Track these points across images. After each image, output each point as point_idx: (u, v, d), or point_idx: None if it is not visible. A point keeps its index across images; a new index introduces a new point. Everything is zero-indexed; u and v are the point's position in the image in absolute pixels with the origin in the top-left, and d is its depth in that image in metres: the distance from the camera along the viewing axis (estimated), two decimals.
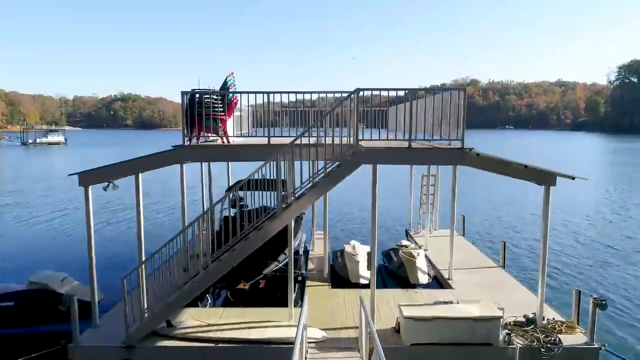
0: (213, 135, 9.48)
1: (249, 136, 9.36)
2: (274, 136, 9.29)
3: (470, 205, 26.19)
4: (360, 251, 13.18)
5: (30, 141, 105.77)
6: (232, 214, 13.42)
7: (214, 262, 8.78)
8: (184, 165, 9.87)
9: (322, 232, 13.97)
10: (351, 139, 8.82)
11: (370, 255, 12.91)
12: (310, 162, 9.12)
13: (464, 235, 17.46)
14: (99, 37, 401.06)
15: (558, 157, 66.72)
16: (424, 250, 15.03)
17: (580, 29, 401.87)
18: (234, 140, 9.72)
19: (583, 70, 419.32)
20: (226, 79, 9.59)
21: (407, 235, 18.11)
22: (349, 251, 13.23)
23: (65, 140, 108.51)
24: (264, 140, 9.29)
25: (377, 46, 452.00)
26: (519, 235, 21.86)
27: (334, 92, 9.25)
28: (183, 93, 9.14)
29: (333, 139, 8.72)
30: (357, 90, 8.41)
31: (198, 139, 9.54)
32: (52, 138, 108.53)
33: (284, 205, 8.70)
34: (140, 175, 9.39)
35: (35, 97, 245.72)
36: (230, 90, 9.60)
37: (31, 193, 35.07)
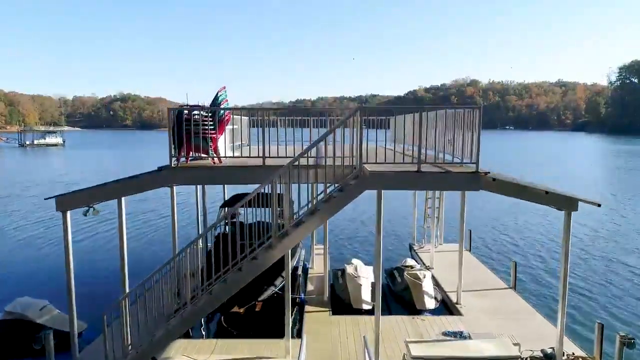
0: (203, 155, 8.67)
1: (241, 156, 8.55)
2: (270, 156, 8.48)
3: (476, 217, 24.87)
4: (362, 273, 12.38)
5: (27, 143, 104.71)
6: (226, 231, 12.67)
7: (204, 294, 8.00)
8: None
9: (322, 246, 13.14)
10: (354, 159, 8.05)
11: (373, 281, 12.18)
12: (310, 185, 8.32)
13: (470, 251, 16.68)
14: (98, 37, 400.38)
15: (562, 159, 65.73)
16: (430, 269, 14.27)
17: (580, 29, 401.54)
18: (226, 161, 8.88)
19: (583, 71, 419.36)
20: (217, 94, 8.79)
21: (411, 250, 17.34)
22: (350, 272, 12.43)
23: (64, 142, 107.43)
24: (259, 161, 8.49)
25: (377, 46, 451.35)
26: (530, 250, 20.37)
27: (334, 111, 8.45)
28: (169, 110, 8.36)
29: (334, 160, 7.92)
30: (361, 109, 7.62)
31: (187, 159, 8.74)
32: (49, 139, 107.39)
33: (280, 234, 7.91)
34: (123, 200, 8.60)
35: (34, 98, 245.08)
36: (222, 106, 8.81)
37: (19, 202, 32.51)
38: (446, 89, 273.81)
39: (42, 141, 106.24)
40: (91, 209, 8.59)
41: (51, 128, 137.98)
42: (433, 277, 12.98)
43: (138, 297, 8.07)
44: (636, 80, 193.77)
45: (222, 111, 8.71)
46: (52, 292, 12.24)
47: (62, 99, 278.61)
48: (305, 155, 7.91)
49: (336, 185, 8.07)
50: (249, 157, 8.55)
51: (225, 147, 9.41)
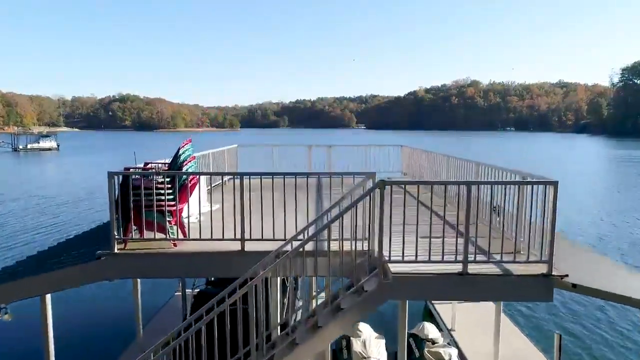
0: (159, 234, 6.27)
1: (212, 238, 6.12)
2: (251, 239, 6.09)
3: None
4: (372, 350, 9.98)
5: (21, 147, 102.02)
6: (207, 289, 10.40)
7: None
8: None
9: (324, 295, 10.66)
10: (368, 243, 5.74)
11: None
12: (306, 278, 5.97)
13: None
14: (97, 37, 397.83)
15: (575, 166, 62.99)
16: (451, 331, 11.92)
17: (580, 29, 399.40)
18: (190, 245, 6.43)
19: (584, 71, 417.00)
20: (178, 151, 6.42)
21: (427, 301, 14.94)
22: (358, 350, 10.03)
23: (58, 146, 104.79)
24: (236, 245, 6.11)
25: (377, 47, 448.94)
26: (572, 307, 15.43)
27: (341, 174, 6.13)
28: (110, 175, 5.94)
29: (342, 244, 5.60)
30: (382, 184, 5.23)
31: (141, 234, 6.35)
32: (43, 144, 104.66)
33: None
34: (48, 297, 6.22)
35: (32, 98, 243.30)
36: (185, 167, 6.43)
37: None
38: (446, 90, 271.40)
39: (35, 145, 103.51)
40: (4, 310, 6.22)
41: (46, 131, 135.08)
42: (460, 355, 10.60)
43: None
44: (639, 82, 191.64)
45: (185, 176, 6.30)
46: None
47: (60, 99, 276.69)
48: (301, 236, 5.61)
49: (344, 280, 5.77)
50: (223, 239, 6.13)
51: (188, 208, 6.99)
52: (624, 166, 65.56)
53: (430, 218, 5.49)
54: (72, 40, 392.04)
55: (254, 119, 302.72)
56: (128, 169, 6.51)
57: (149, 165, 7.19)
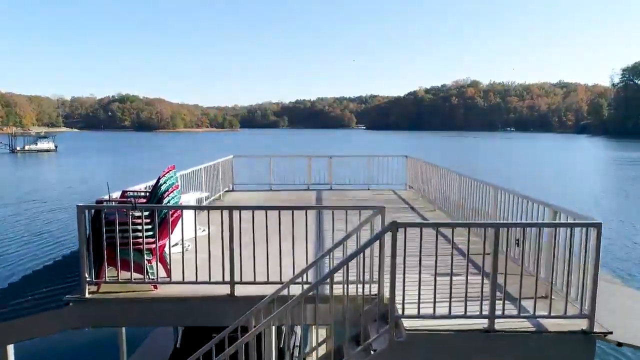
0: (136, 275, 5.49)
1: (196, 281, 5.33)
2: (241, 282, 5.32)
3: None
4: None
5: (18, 148, 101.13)
6: None
7: None
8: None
9: (326, 328, 9.90)
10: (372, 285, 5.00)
11: None
12: (306, 327, 5.21)
13: None
14: (96, 37, 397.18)
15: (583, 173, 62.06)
16: None
17: (580, 29, 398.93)
18: (171, 289, 5.62)
19: (584, 71, 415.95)
20: (159, 181, 5.63)
21: None
22: None
23: (56, 148, 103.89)
24: (225, 289, 5.34)
25: (377, 46, 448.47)
26: None
27: (346, 207, 5.38)
28: (80, 209, 5.17)
29: (347, 287, 4.84)
30: (395, 227, 4.45)
31: (118, 274, 5.57)
32: (41, 145, 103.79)
33: None
34: (10, 348, 5.45)
35: (31, 98, 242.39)
36: (169, 197, 5.64)
37: None
38: (446, 90, 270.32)
39: (33, 147, 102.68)
40: None
41: (44, 132, 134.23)
42: None
43: None
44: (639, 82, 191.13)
45: (165, 210, 5.50)
46: None
47: (59, 99, 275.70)
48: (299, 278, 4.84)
49: (348, 329, 5.01)
50: (209, 282, 5.35)
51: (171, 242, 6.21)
52: (622, 168, 64.60)
53: (452, 254, 4.69)
54: (72, 40, 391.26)
55: (254, 119, 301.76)
56: (101, 201, 5.74)
57: (126, 195, 6.42)
